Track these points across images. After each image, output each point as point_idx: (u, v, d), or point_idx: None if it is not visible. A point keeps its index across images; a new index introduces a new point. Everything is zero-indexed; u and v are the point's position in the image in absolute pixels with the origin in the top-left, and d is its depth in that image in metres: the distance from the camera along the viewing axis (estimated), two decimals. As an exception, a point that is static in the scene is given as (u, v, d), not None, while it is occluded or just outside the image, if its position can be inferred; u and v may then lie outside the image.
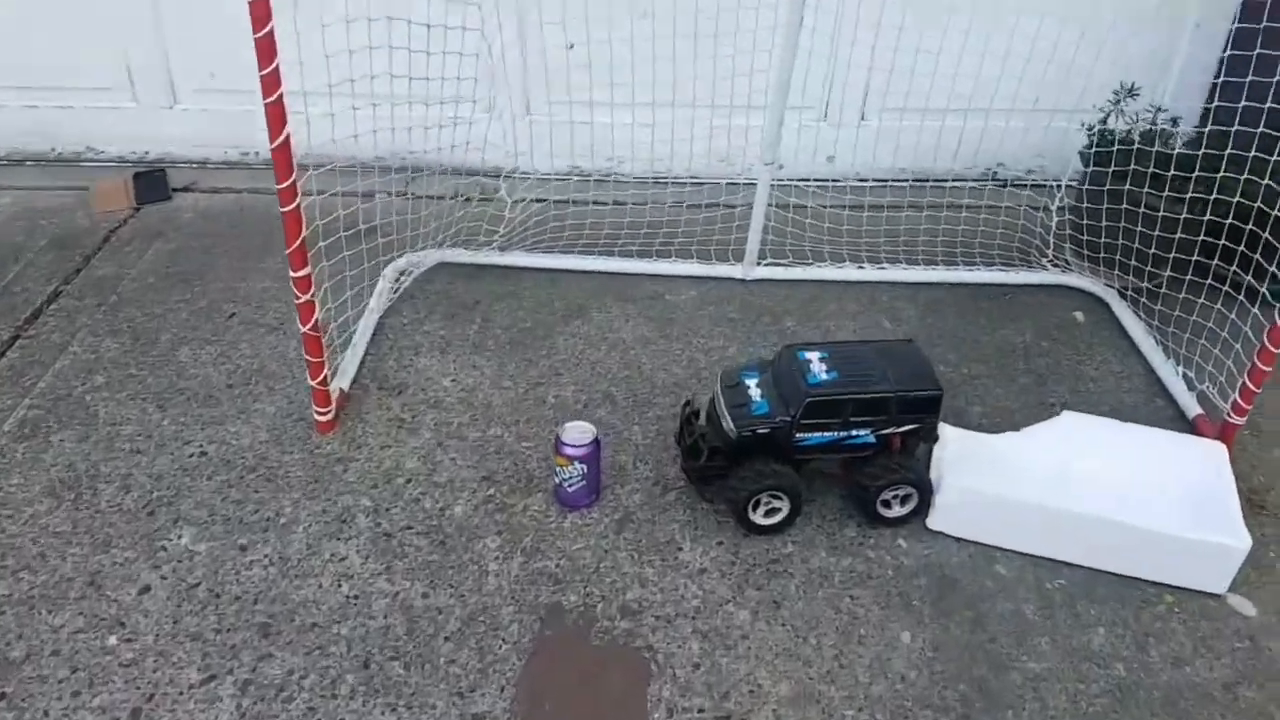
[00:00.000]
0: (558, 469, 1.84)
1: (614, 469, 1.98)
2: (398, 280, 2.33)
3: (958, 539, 1.84)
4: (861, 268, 2.53)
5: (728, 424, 2.00)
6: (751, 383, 2.06)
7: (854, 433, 1.98)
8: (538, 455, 1.96)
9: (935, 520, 2.07)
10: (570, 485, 1.85)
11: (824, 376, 1.99)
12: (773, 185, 2.34)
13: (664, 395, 2.19)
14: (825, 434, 1.99)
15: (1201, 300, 2.17)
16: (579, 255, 2.62)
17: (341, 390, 1.99)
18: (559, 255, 2.57)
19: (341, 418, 1.96)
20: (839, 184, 2.80)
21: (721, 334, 2.32)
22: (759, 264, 2.49)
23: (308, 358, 1.78)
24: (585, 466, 1.83)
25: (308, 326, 1.73)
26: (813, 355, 2.05)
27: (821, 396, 1.96)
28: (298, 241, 1.62)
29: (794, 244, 2.58)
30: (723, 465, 1.84)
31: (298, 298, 1.72)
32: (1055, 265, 2.53)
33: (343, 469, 1.86)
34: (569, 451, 2.00)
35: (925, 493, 2.02)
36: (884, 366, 2.01)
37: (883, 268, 2.56)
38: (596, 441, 2.05)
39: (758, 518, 1.85)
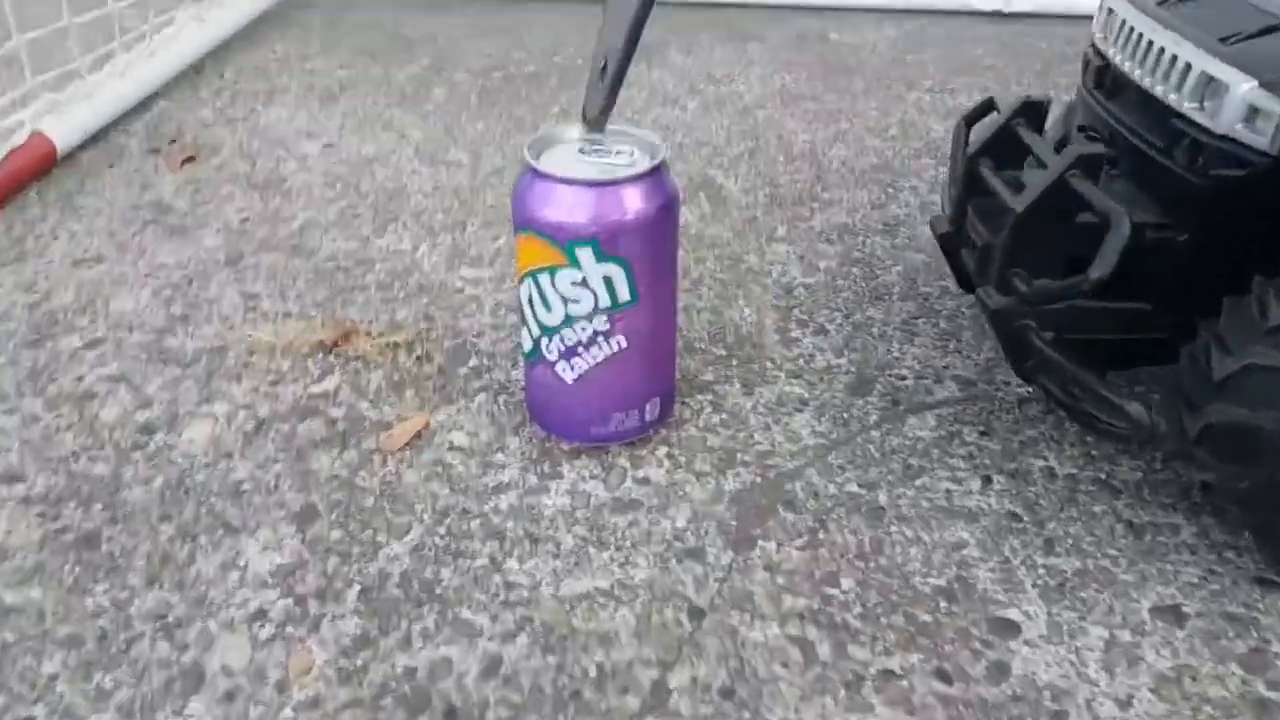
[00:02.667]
0: (527, 288, 0.60)
1: (716, 338, 0.77)
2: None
3: None
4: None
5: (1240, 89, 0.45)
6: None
7: None
8: (495, 299, 0.81)
9: None
10: (566, 354, 0.60)
11: None
12: None
13: (845, 186, 0.99)
14: None
15: None
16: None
17: (41, 136, 1.00)
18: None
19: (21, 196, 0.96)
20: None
21: (965, 84, 1.21)
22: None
23: None
24: (622, 271, 0.57)
25: None
26: None
27: None
28: None
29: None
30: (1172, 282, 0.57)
31: None
32: None
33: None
34: (561, 216, 0.57)
35: None
36: None
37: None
38: (659, 175, 0.55)
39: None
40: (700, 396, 0.67)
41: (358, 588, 0.53)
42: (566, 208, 0.54)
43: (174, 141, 1.04)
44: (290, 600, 0.53)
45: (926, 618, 0.52)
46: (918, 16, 1.43)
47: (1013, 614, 0.52)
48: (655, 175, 0.55)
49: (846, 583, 0.54)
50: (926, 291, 0.79)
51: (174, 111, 1.12)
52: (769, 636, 0.51)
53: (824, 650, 0.50)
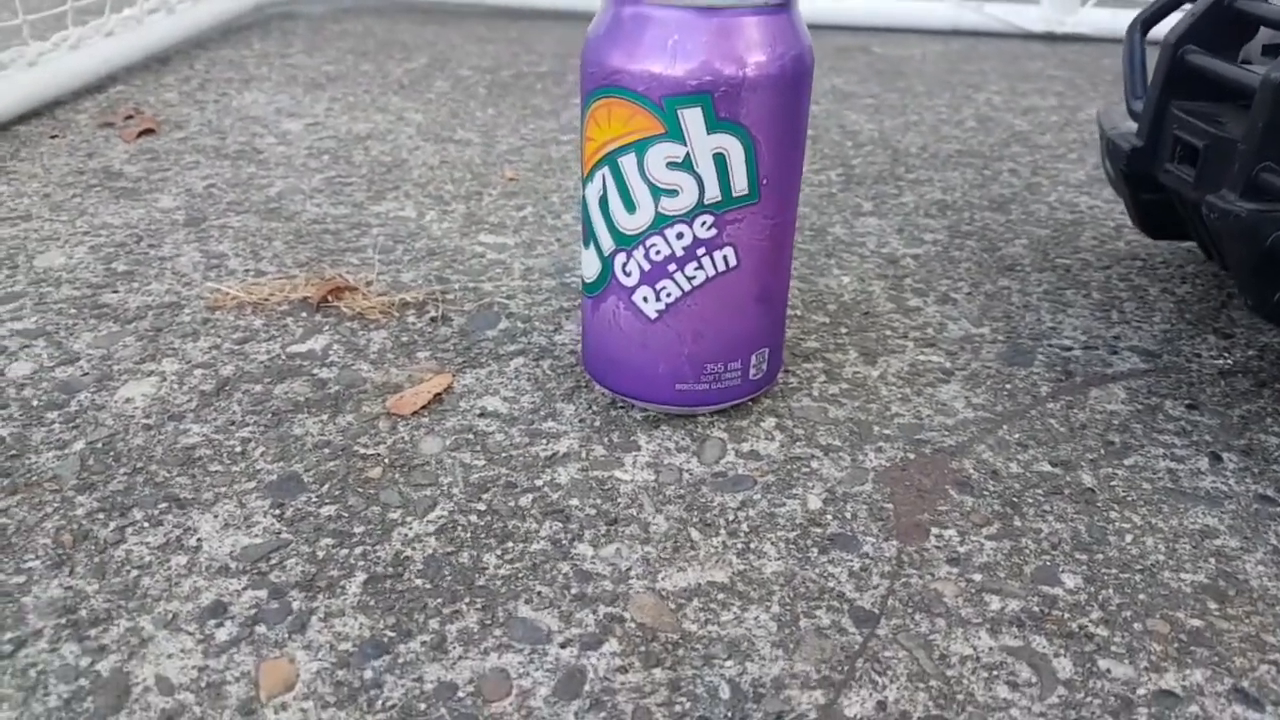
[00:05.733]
0: (600, 182, 0.43)
1: (814, 305, 0.61)
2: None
3: None
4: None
5: None
6: None
7: None
8: (526, 264, 0.66)
9: None
10: (650, 275, 0.43)
11: None
12: None
13: (932, 168, 0.85)
14: None
15: None
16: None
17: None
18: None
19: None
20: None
21: (1036, 89, 1.07)
22: (1084, 2, 1.40)
23: None
24: (741, 147, 0.41)
25: None
26: None
27: None
28: None
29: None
30: None
31: None
32: None
33: None
34: (659, 63, 0.41)
35: None
36: None
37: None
38: (792, 16, 0.42)
39: None
40: (808, 365, 0.52)
41: (362, 576, 0.36)
42: (668, 49, 0.39)
43: (130, 117, 0.89)
44: (263, 592, 0.35)
45: (1196, 622, 0.36)
46: (963, 36, 1.33)
47: (1317, 619, 0.36)
48: (788, 14, 0.41)
49: (1070, 580, 0.38)
50: (1064, 264, 0.65)
51: (133, 93, 0.97)
52: (980, 649, 0.34)
53: (1064, 666, 0.34)
